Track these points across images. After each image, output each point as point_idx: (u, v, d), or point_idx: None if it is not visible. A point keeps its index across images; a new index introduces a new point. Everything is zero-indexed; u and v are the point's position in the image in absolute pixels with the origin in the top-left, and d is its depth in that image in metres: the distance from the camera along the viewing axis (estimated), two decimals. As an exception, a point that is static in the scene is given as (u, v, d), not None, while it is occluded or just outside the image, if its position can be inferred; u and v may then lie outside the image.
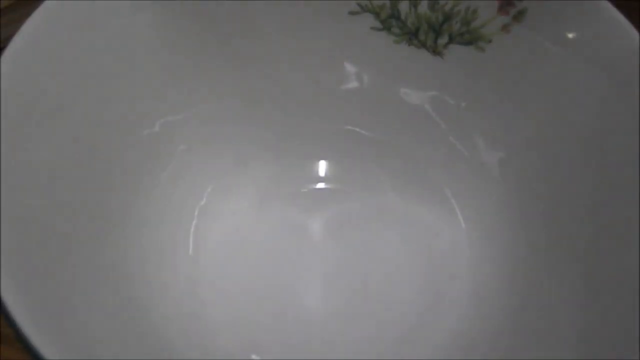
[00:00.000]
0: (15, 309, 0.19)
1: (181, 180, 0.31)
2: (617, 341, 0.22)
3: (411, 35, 0.30)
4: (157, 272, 0.29)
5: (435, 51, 0.30)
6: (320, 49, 0.31)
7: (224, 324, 0.29)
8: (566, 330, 0.25)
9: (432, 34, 0.30)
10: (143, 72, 0.29)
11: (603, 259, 0.25)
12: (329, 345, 0.29)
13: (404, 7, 0.30)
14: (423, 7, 0.29)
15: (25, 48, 0.24)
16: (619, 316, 0.23)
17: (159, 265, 0.29)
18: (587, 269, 0.26)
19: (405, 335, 0.29)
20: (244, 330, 0.29)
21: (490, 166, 0.31)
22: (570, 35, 0.27)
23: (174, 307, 0.28)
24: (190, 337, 0.28)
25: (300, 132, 0.33)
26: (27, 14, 0.24)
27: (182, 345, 0.28)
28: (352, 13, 0.30)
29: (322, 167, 0.33)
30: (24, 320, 0.19)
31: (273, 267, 0.30)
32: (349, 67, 0.32)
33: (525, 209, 0.30)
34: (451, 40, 0.30)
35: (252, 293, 0.30)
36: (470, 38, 0.29)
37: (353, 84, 0.32)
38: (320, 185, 0.33)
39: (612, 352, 0.22)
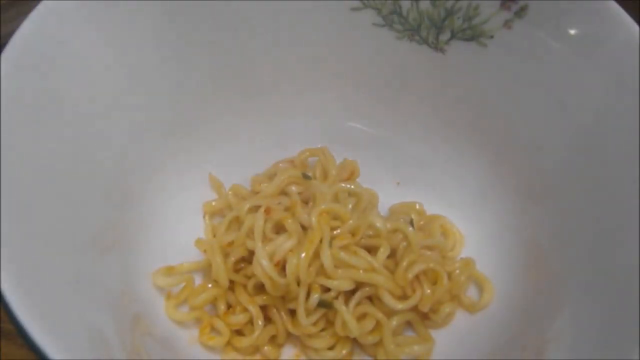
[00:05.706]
0: (16, 305, 0.19)
1: (181, 179, 0.31)
2: (617, 341, 0.22)
3: (413, 32, 0.30)
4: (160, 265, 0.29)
5: (437, 47, 0.30)
6: (322, 45, 0.31)
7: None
8: (565, 331, 0.25)
9: (433, 30, 0.30)
10: (143, 67, 0.29)
11: (602, 258, 0.25)
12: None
13: (405, 3, 0.30)
14: (425, 4, 0.29)
15: (25, 46, 0.24)
16: (618, 316, 0.23)
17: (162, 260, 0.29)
18: (587, 268, 0.25)
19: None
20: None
21: (490, 164, 0.31)
22: (571, 32, 0.27)
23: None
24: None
25: (302, 128, 0.33)
26: (24, 13, 0.24)
27: (186, 343, 0.28)
28: (354, 9, 0.30)
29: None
30: (26, 317, 0.19)
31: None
32: (351, 64, 0.32)
33: (526, 208, 0.30)
34: (453, 36, 0.30)
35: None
36: (472, 34, 0.29)
37: (354, 81, 0.32)
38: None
39: (612, 352, 0.22)
